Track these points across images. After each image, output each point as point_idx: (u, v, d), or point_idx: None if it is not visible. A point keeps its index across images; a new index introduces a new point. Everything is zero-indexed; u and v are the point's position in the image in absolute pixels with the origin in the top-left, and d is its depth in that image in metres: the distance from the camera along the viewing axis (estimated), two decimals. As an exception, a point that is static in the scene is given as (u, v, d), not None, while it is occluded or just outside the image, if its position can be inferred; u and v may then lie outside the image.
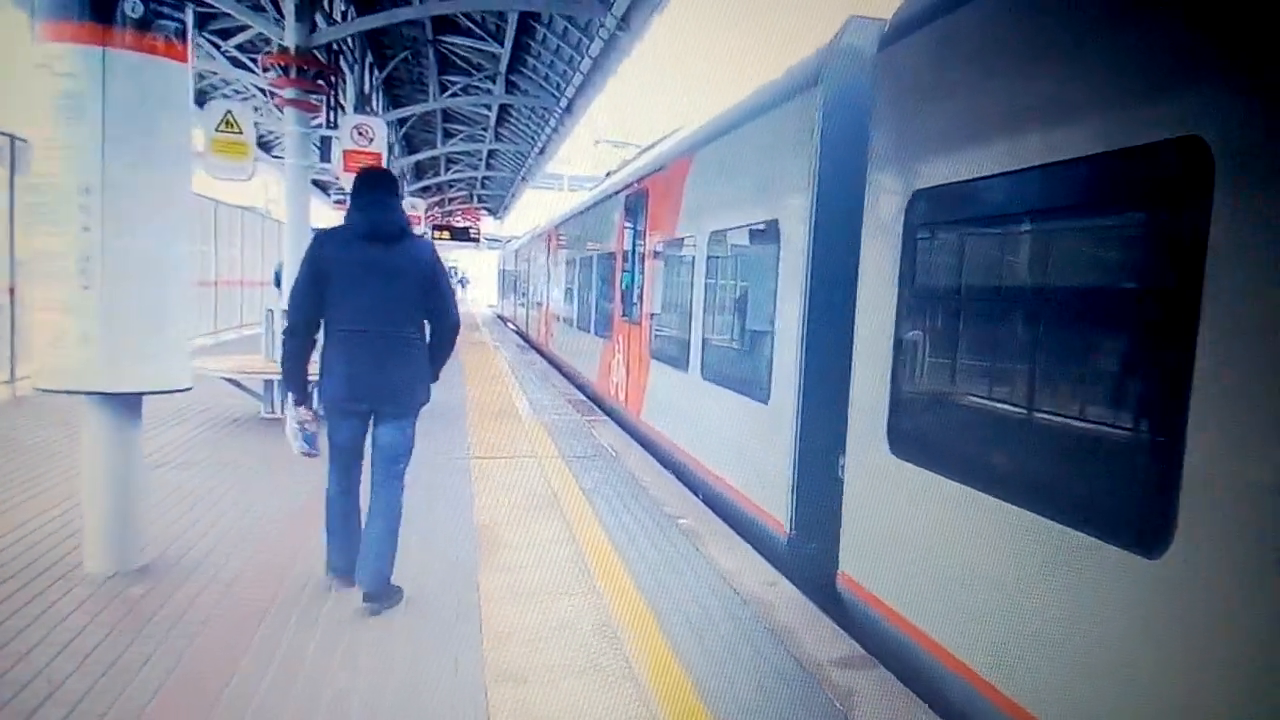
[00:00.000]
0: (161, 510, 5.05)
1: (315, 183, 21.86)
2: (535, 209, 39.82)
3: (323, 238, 3.87)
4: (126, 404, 4.00)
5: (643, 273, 8.77)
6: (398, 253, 3.67)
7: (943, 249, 3.52)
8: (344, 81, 11.17)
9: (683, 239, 7.31)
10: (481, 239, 39.36)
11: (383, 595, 3.72)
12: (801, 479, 4.84)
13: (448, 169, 26.32)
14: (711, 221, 6.38)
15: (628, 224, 9.86)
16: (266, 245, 20.18)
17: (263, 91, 12.06)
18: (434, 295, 3.77)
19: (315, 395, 3.87)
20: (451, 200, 35.18)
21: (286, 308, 3.90)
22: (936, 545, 3.28)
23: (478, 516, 5.29)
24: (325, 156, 9.10)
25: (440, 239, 32.28)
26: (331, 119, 9.47)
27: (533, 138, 19.90)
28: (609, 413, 10.70)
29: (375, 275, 3.61)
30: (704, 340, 6.59)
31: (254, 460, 6.56)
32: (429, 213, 33.13)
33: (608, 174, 14.77)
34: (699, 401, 6.65)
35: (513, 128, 20.46)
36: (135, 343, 3.89)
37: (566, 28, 11.62)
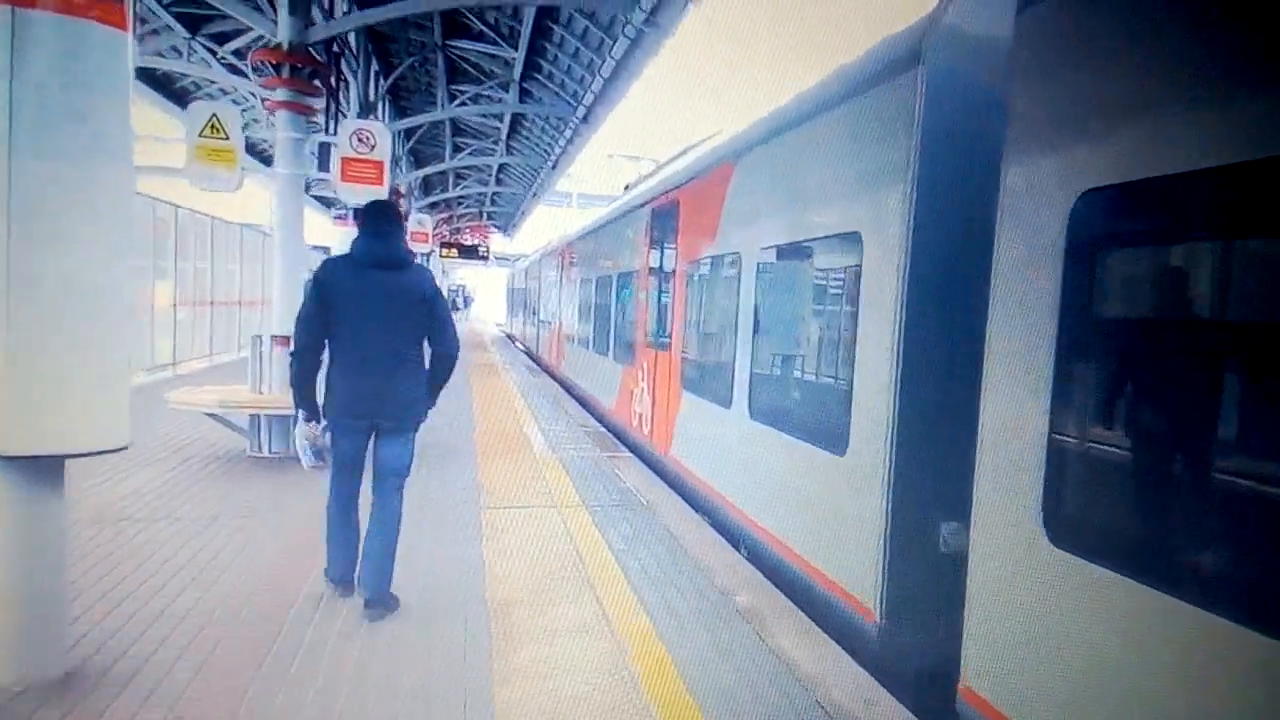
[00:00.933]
0: (105, 587, 4.15)
1: (318, 198, 21.15)
2: (545, 227, 39.15)
3: (329, 265, 4.06)
4: (42, 469, 3.10)
5: (672, 294, 7.88)
6: (399, 280, 3.93)
7: (1143, 267, 2.60)
8: (344, 85, 10.37)
9: (724, 255, 6.41)
10: (490, 257, 38.66)
11: (382, 602, 3.95)
12: (894, 552, 3.90)
13: (457, 184, 25.61)
14: (763, 235, 5.49)
15: (654, 240, 8.99)
16: (270, 265, 19.36)
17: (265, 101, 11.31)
18: (432, 321, 4.02)
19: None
20: (460, 217, 34.49)
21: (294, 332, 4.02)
22: (1135, 681, 2.34)
23: (490, 591, 4.36)
24: (324, 165, 8.25)
25: (448, 257, 31.56)
26: (330, 126, 8.64)
27: (546, 151, 19.09)
28: (629, 444, 9.79)
29: (377, 301, 3.86)
30: (752, 373, 5.68)
31: (236, 512, 5.66)
32: (437, 230, 32.44)
33: (626, 187, 13.95)
34: (746, 445, 5.72)
35: (525, 140, 19.67)
36: (54, 390, 3.01)
37: (587, 28, 10.80)
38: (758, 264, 5.57)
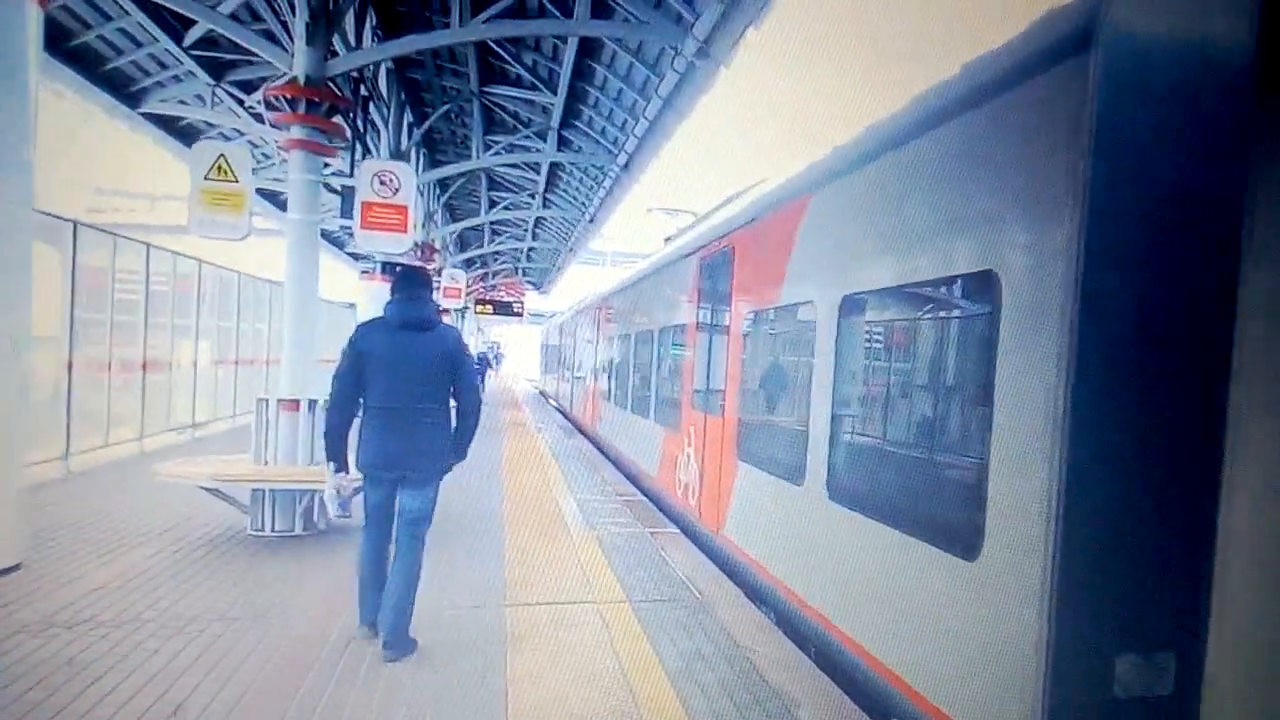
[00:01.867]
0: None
1: (348, 252, 20.74)
2: (579, 286, 38.77)
3: (362, 330, 4.36)
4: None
5: (724, 351, 6.96)
6: (426, 340, 4.27)
7: None
8: (371, 127, 9.79)
9: (793, 306, 5.50)
10: (525, 313, 38.27)
11: (400, 645, 4.19)
12: (1057, 698, 2.86)
13: (492, 240, 25.21)
14: (848, 280, 4.57)
15: (702, 292, 8.12)
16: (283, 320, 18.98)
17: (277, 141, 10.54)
18: (457, 376, 4.33)
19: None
20: (495, 274, 34.21)
21: (330, 392, 4.30)
22: None
23: (514, 736, 3.38)
24: (347, 212, 7.54)
25: (483, 313, 31.13)
26: (354, 169, 7.98)
27: (584, 203, 18.51)
28: (669, 513, 8.78)
29: (406, 360, 4.21)
30: (832, 444, 4.69)
31: (221, 610, 4.76)
32: (472, 287, 32.13)
33: (667, 239, 13.17)
34: (823, 533, 4.71)
35: (562, 193, 19.14)
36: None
37: (632, 65, 10.14)
38: (840, 315, 4.63)
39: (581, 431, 17.68)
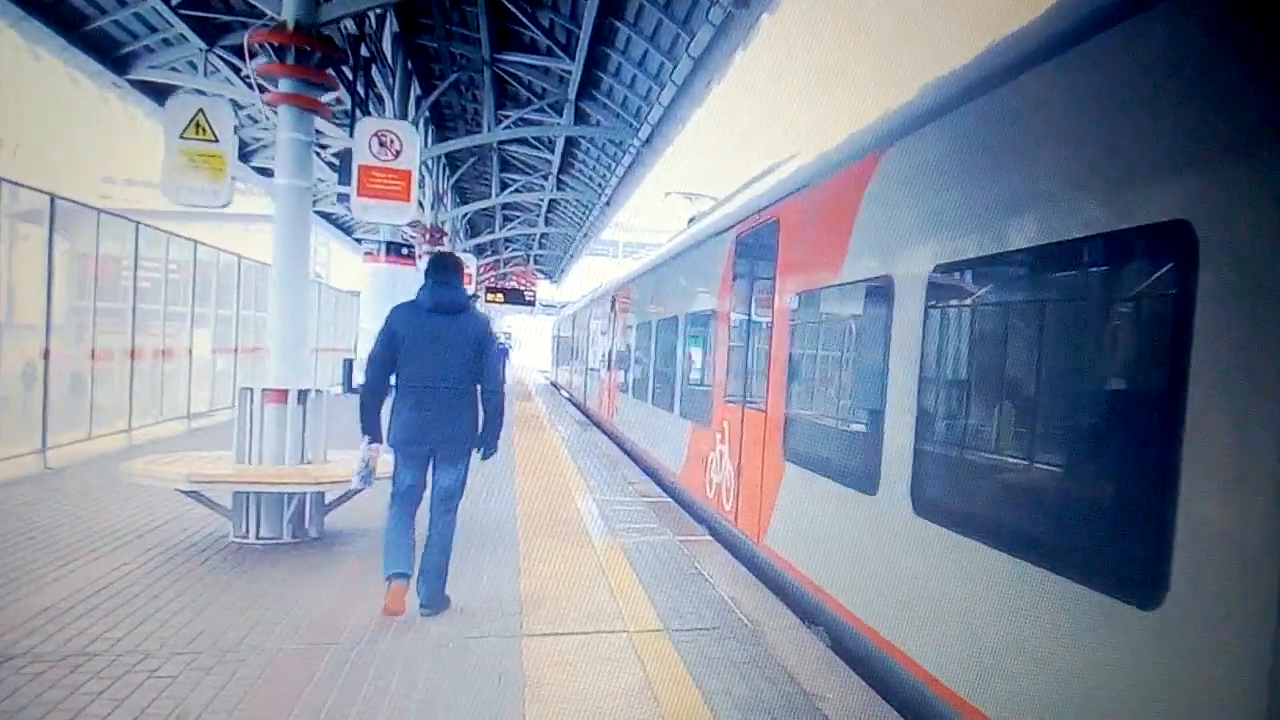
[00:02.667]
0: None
1: (349, 232, 19.93)
2: (591, 277, 38.00)
3: (397, 311, 4.58)
4: None
5: (770, 337, 6.14)
6: (458, 323, 4.54)
7: None
8: (370, 89, 8.96)
9: (859, 283, 4.67)
10: (536, 303, 37.50)
11: (436, 604, 4.53)
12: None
13: (504, 225, 24.40)
14: (942, 246, 3.75)
15: (740, 272, 7.30)
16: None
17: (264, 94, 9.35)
18: (482, 359, 4.57)
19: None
20: (507, 261, 33.44)
21: (365, 369, 4.63)
22: None
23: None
24: (346, 178, 6.71)
25: (493, 301, 30.40)
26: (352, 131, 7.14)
27: (600, 184, 17.62)
28: (695, 513, 8.01)
29: (438, 342, 4.46)
30: (918, 447, 3.86)
31: (196, 643, 3.99)
32: (483, 275, 31.38)
33: (690, 220, 12.33)
34: (907, 553, 3.90)
35: (578, 173, 18.25)
36: None
37: (660, 22, 9.18)
38: (929, 290, 3.80)
39: (597, 425, 16.91)
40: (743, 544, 6.52)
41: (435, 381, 4.41)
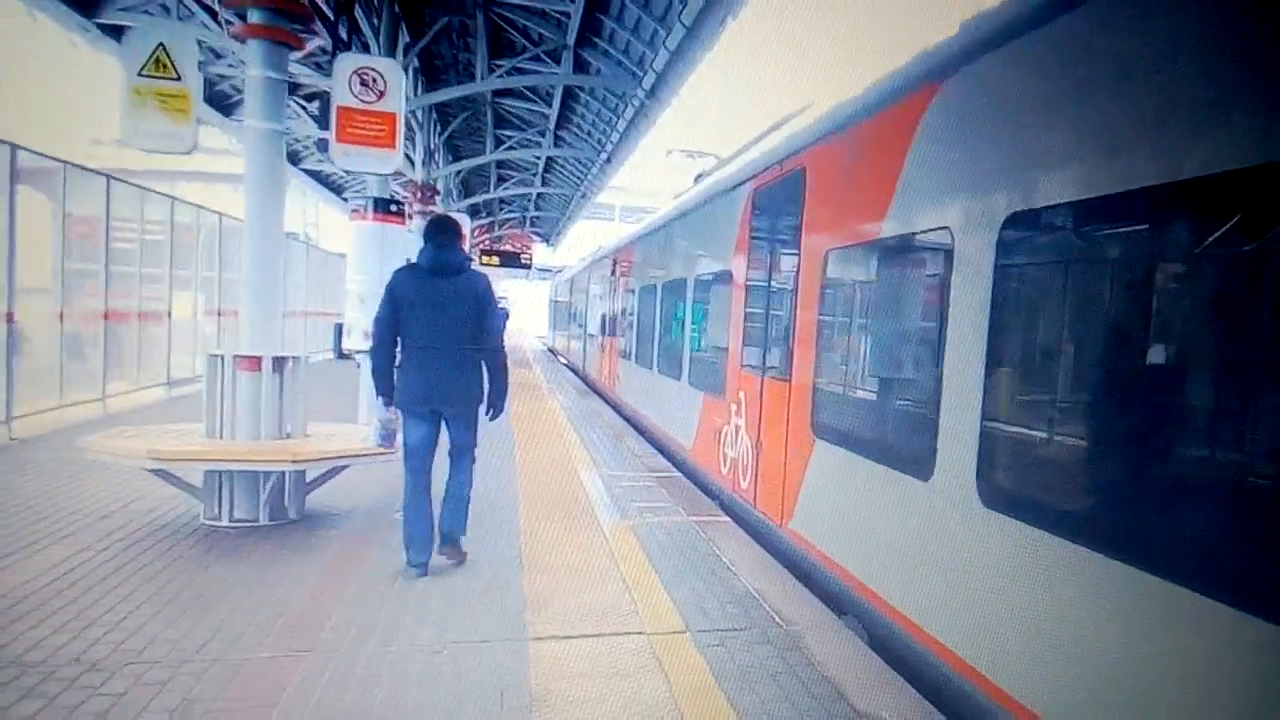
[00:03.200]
0: None
1: (340, 192, 19.14)
2: (588, 241, 37.18)
3: (399, 274, 4.61)
4: None
5: (795, 300, 5.55)
6: (458, 284, 4.57)
7: None
8: (354, 33, 8.23)
9: (908, 236, 4.09)
10: (533, 266, 36.71)
11: (455, 544, 4.72)
12: None
13: (499, 185, 23.59)
14: (1020, 191, 3.15)
15: (758, 228, 6.69)
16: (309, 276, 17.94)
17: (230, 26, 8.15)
18: (482, 319, 4.60)
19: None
20: (502, 223, 32.62)
21: (371, 330, 4.60)
22: None
23: None
24: (326, 123, 6.06)
25: (489, 264, 29.67)
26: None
27: (600, 140, 16.83)
28: (706, 488, 7.50)
29: (438, 303, 4.50)
30: (985, 427, 3.31)
31: (150, 649, 3.46)
32: (478, 238, 30.62)
33: (698, 177, 11.64)
34: (971, 549, 3.37)
35: (576, 129, 17.44)
36: None
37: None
38: (1000, 242, 3.22)
39: (598, 393, 16.36)
40: (764, 527, 6.01)
41: (438, 342, 4.46)
